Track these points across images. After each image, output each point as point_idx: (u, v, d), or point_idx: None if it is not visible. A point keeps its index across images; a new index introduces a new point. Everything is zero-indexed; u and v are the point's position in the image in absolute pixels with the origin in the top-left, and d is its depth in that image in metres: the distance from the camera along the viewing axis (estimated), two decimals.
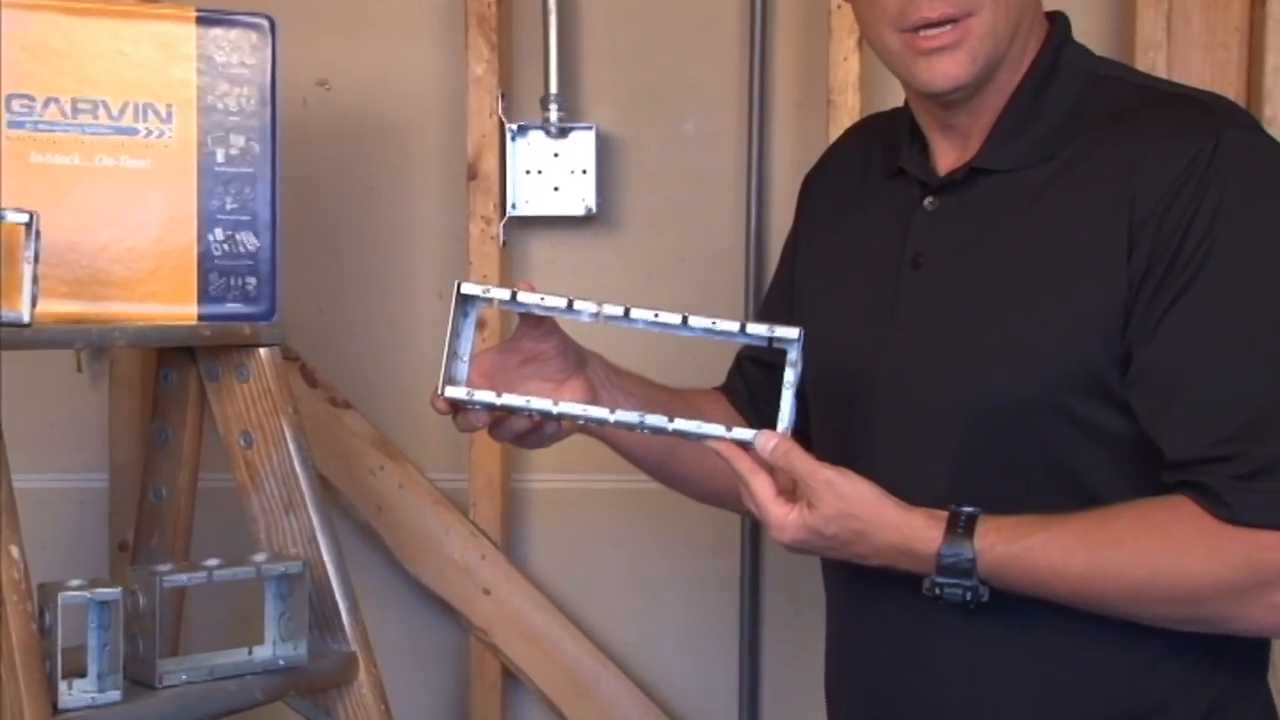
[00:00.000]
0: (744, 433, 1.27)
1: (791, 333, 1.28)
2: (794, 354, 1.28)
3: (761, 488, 1.26)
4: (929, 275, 1.33)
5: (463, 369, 1.33)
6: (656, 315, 1.28)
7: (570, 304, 1.29)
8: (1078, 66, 1.35)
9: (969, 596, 1.23)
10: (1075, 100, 1.32)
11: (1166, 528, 1.21)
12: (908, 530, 1.24)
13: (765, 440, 1.26)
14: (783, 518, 1.26)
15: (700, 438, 1.28)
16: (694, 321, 1.28)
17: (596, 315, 1.29)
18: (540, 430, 1.35)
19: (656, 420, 1.28)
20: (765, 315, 1.56)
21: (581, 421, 1.33)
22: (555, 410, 1.30)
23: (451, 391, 1.29)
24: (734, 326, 1.28)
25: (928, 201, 1.36)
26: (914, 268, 1.34)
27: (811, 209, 1.53)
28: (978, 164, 1.33)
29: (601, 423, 1.30)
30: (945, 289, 1.32)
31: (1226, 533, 1.19)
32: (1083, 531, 1.22)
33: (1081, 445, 1.26)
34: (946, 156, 1.37)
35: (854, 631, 1.41)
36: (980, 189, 1.33)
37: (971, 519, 1.24)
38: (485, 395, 1.30)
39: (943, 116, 1.36)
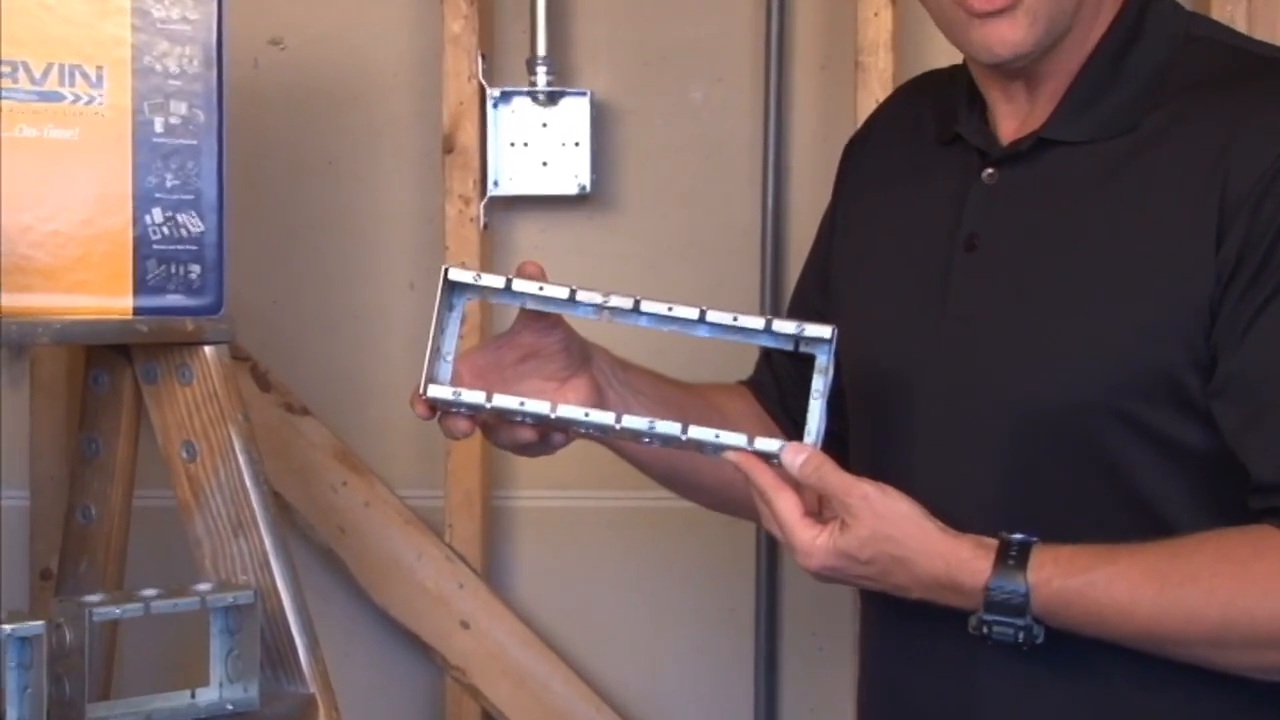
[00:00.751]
0: (769, 444, 1.27)
1: (823, 331, 1.27)
2: (823, 358, 1.27)
3: (786, 507, 1.26)
4: (984, 259, 1.33)
5: (447, 369, 1.32)
6: (670, 309, 1.27)
7: (572, 294, 1.28)
8: (1166, 25, 1.33)
9: (1021, 637, 1.23)
10: (1162, 65, 1.31)
11: (1249, 564, 1.21)
12: (953, 559, 1.24)
13: (793, 455, 1.25)
14: (810, 541, 1.25)
15: (718, 449, 1.27)
16: (712, 316, 1.27)
17: (600, 309, 1.28)
18: (547, 439, 1.35)
19: (668, 428, 1.27)
20: (797, 304, 1.56)
21: (583, 430, 1.32)
22: (553, 415, 1.29)
23: (435, 391, 1.29)
24: (758, 323, 1.28)
25: (986, 174, 1.35)
26: (968, 250, 1.33)
27: (853, 181, 1.52)
28: (1046, 134, 1.32)
29: (606, 430, 1.30)
30: (1002, 275, 1.31)
31: None
32: (1153, 565, 1.21)
33: (1152, 460, 1.26)
34: (1009, 122, 1.36)
35: (893, 673, 1.40)
36: (1047, 162, 1.32)
37: (1025, 548, 1.23)
38: (474, 395, 1.29)
39: (1004, 82, 1.35)
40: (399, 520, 2.07)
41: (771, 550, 2.05)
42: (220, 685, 1.48)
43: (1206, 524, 1.23)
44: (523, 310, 1.34)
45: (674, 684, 2.12)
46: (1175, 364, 1.24)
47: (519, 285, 1.29)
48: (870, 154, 1.51)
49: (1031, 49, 1.29)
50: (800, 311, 1.51)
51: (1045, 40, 1.29)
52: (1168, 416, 1.25)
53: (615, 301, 1.28)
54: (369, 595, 2.08)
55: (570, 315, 1.32)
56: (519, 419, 1.31)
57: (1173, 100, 1.29)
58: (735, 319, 1.27)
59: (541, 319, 1.34)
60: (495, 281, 1.29)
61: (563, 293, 1.28)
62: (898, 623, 1.36)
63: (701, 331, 1.28)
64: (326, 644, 1.56)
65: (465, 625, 2.06)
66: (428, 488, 2.08)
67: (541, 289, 1.28)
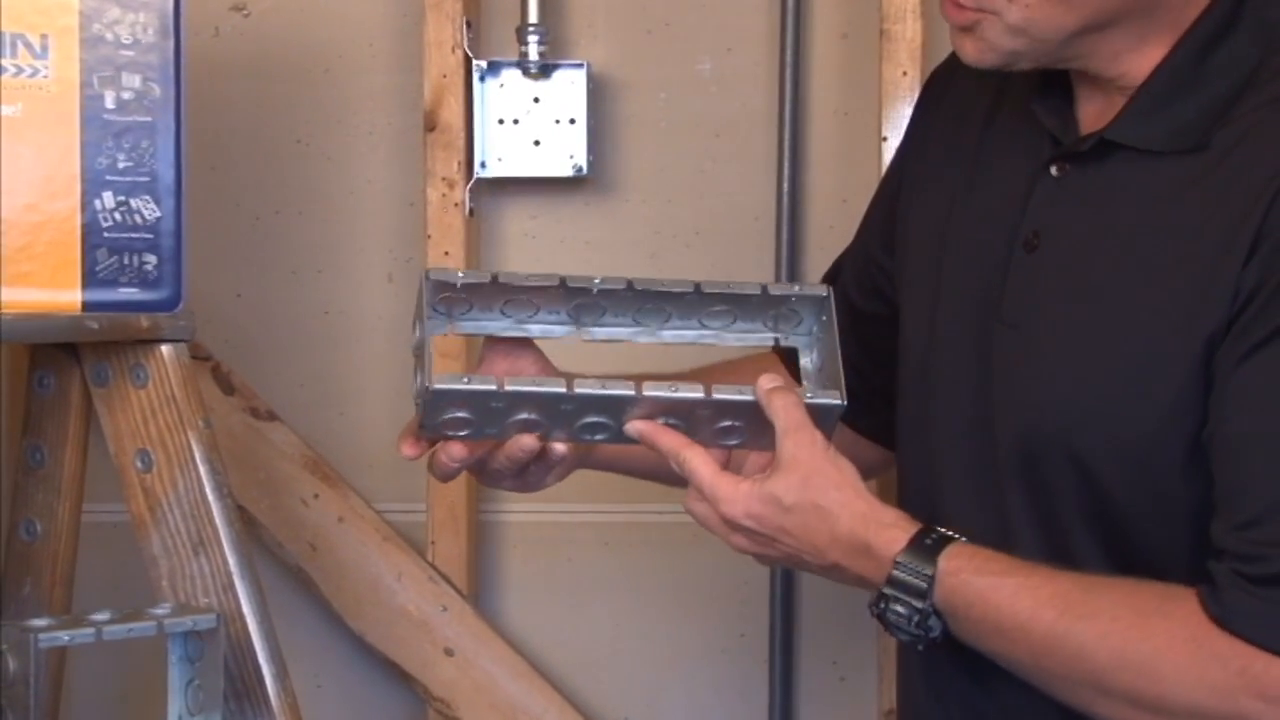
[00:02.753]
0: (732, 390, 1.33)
1: (819, 290, 1.34)
2: (806, 327, 1.34)
3: (701, 460, 1.31)
4: (1042, 261, 1.31)
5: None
6: (664, 285, 1.36)
7: (563, 282, 1.34)
8: (1266, 15, 1.27)
9: (915, 622, 1.26)
10: (1252, 66, 1.26)
11: (1149, 618, 1.22)
12: (872, 523, 1.28)
13: (765, 378, 1.30)
14: (733, 486, 1.30)
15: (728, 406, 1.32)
16: (707, 287, 1.36)
17: (589, 292, 1.34)
18: (545, 457, 1.36)
19: (691, 390, 1.31)
20: (858, 261, 1.56)
21: (592, 436, 1.35)
22: (572, 392, 1.32)
23: (442, 383, 1.31)
24: (754, 289, 1.36)
25: (1054, 168, 1.32)
26: (1027, 249, 1.32)
27: (927, 126, 1.49)
28: (1108, 135, 1.29)
29: (628, 400, 1.32)
30: (1056, 283, 1.30)
31: (1216, 640, 1.19)
32: (1062, 591, 1.24)
33: (1152, 504, 1.26)
34: (1089, 107, 1.33)
35: (916, 702, 1.44)
36: (1113, 165, 1.29)
37: (947, 538, 1.27)
38: (484, 382, 1.32)
39: (1068, 67, 1.32)
40: (376, 537, 2.08)
41: (788, 571, 2.05)
42: (179, 718, 1.49)
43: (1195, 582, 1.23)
44: (487, 339, 1.39)
45: (680, 717, 2.12)
46: (1185, 407, 1.23)
47: (505, 277, 1.33)
48: (952, 98, 1.46)
49: (998, 67, 1.29)
50: (862, 268, 1.53)
51: (1015, 60, 1.28)
52: (1171, 460, 1.25)
53: (607, 284, 1.34)
54: (343, 619, 2.08)
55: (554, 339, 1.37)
56: (528, 415, 1.33)
57: (1249, 114, 1.24)
58: (729, 286, 1.36)
59: (508, 339, 1.38)
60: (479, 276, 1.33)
61: (553, 279, 1.33)
62: (934, 665, 1.39)
63: (669, 333, 1.38)
64: (296, 673, 1.56)
65: (449, 653, 2.06)
66: (408, 501, 2.08)
67: (528, 279, 1.33)
